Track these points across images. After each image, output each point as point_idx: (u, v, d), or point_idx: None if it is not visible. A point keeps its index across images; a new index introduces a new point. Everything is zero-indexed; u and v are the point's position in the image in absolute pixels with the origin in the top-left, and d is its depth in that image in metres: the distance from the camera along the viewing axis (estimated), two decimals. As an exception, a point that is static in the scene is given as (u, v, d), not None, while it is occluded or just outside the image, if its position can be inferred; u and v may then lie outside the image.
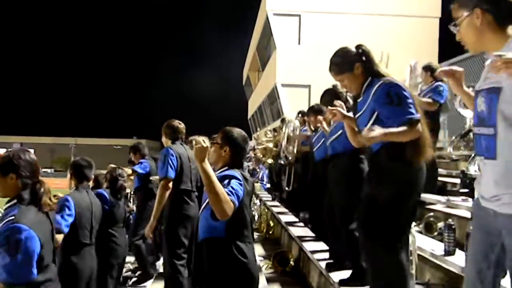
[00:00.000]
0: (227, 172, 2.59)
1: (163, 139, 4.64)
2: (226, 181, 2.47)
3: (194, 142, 2.47)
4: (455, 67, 2.17)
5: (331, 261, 4.10)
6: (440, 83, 4.92)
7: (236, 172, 2.58)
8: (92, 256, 3.72)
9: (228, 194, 2.37)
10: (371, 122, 2.76)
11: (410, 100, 2.63)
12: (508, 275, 1.94)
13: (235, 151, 2.72)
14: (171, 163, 4.28)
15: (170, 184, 4.26)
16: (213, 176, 2.35)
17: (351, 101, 3.63)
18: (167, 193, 4.24)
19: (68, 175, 3.90)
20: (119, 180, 4.57)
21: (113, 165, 5.12)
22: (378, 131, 2.43)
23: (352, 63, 2.87)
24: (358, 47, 2.91)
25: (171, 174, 4.26)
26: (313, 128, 5.41)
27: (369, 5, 20.87)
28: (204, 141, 2.39)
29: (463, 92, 2.13)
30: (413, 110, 2.58)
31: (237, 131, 2.78)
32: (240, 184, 2.51)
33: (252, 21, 28.46)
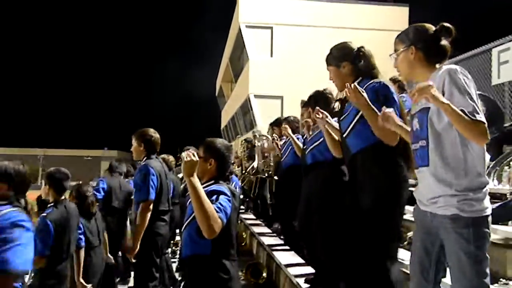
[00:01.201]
0: (215, 187, 2.47)
1: (136, 148, 4.22)
2: (214, 197, 2.36)
3: (183, 154, 2.30)
4: (387, 109, 2.42)
5: (312, 276, 4.02)
6: (403, 94, 5.03)
7: (224, 187, 2.48)
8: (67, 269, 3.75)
9: (217, 211, 2.26)
10: (354, 121, 2.76)
11: (396, 105, 2.63)
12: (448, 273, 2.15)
13: (221, 163, 2.61)
14: (152, 184, 3.97)
15: (151, 206, 3.97)
16: (202, 192, 2.25)
17: (337, 106, 3.55)
18: (149, 215, 3.94)
19: (45, 187, 3.84)
20: (88, 197, 4.40)
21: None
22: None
23: (340, 60, 2.89)
24: (359, 48, 2.91)
25: (153, 196, 3.97)
26: (277, 137, 5.45)
27: (339, 19, 21.33)
28: (194, 154, 2.28)
29: (397, 126, 2.39)
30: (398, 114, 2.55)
31: (220, 141, 2.68)
32: (229, 200, 2.41)
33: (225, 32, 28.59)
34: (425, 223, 2.18)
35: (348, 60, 2.87)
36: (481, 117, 1.92)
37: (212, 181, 2.56)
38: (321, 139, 3.68)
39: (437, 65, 2.21)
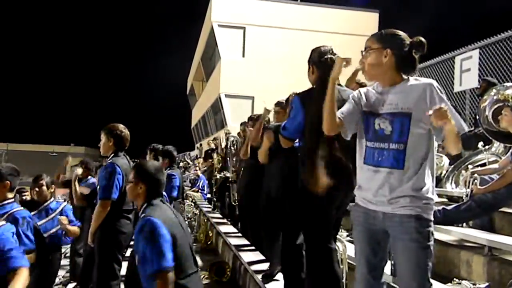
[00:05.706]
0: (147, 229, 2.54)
1: (105, 144, 4.15)
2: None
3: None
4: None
5: (268, 271, 4.12)
6: None
7: (156, 220, 2.54)
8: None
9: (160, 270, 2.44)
10: None
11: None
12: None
13: (151, 185, 2.77)
14: (117, 183, 3.91)
15: (109, 206, 3.91)
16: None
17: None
18: (105, 214, 3.89)
19: None
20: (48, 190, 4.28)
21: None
22: None
23: (311, 61, 3.07)
24: (324, 57, 2.99)
25: (116, 195, 3.91)
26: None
27: (311, 22, 21.58)
28: None
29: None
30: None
31: (150, 164, 2.86)
32: (163, 238, 2.51)
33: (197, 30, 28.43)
34: (373, 222, 2.24)
35: (315, 65, 3.06)
36: None
37: (145, 205, 2.72)
38: None
39: (404, 76, 2.22)
